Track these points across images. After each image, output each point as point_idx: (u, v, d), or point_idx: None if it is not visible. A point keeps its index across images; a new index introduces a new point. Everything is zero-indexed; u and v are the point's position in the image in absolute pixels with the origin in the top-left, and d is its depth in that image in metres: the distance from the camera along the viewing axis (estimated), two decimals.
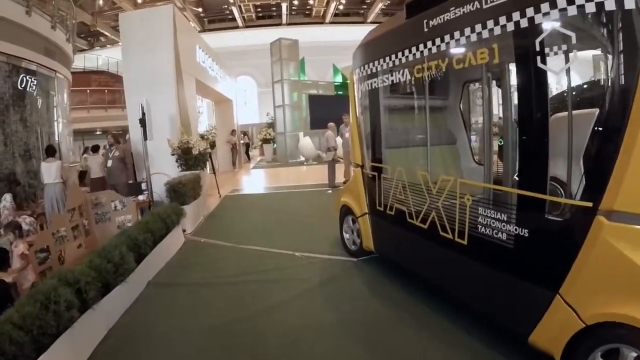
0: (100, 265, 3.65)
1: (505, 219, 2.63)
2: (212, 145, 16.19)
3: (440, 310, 3.43)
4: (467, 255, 3.00)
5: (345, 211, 5.03)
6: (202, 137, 8.51)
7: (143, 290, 4.33)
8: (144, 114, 6.18)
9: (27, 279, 4.02)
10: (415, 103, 4.06)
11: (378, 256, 4.64)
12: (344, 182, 10.61)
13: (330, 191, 9.82)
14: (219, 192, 10.06)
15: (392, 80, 3.85)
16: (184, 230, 6.29)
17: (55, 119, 10.12)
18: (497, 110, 3.02)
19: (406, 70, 3.59)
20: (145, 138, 6.31)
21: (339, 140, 11.10)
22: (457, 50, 2.95)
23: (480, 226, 2.83)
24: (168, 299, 4.14)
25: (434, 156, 3.59)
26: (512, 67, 2.57)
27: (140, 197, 6.62)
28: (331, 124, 10.91)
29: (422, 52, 3.32)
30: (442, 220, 3.23)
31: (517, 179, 2.60)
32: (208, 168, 10.29)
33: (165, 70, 8.24)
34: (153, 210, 5.43)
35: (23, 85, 8.52)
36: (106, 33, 29.73)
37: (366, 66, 4.21)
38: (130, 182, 7.60)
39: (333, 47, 28.97)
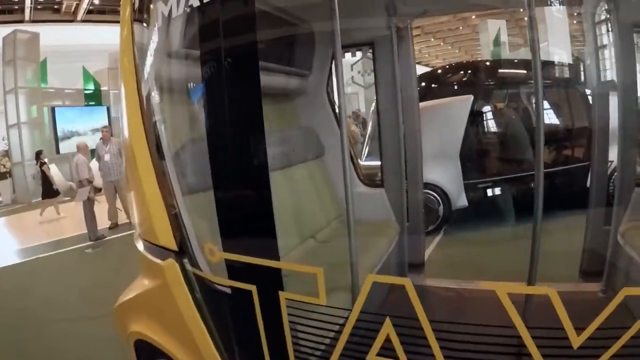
0: None
1: None
2: None
3: None
4: None
5: (147, 350, 1.95)
6: None
7: None
8: None
9: None
10: None
11: None
12: (111, 227, 7.60)
13: (92, 249, 6.76)
14: None
15: None
16: None
17: None
18: None
19: None
20: None
21: (94, 166, 7.93)
22: None
23: None
24: None
25: None
26: None
27: None
28: (81, 143, 7.79)
29: None
30: None
31: None
32: None
33: None
34: None
35: None
36: None
37: None
38: None
39: (84, 51, 24.72)
